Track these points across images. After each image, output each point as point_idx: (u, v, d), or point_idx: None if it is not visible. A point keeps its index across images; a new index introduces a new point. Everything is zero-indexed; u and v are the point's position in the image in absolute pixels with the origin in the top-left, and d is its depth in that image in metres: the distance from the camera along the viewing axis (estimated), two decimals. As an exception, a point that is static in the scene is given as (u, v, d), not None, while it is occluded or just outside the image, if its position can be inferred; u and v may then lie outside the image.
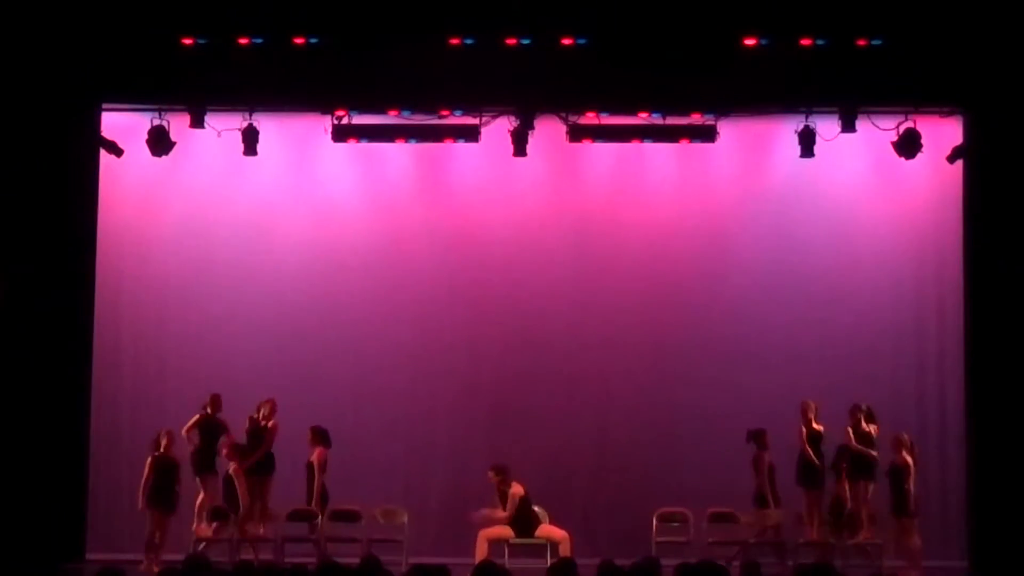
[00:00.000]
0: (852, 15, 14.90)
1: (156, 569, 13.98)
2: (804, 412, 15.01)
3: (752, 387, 15.75)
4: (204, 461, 15.14)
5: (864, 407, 15.00)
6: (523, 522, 15.11)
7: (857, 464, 14.89)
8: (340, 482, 15.34)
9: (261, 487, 15.16)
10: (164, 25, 14.91)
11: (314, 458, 15.15)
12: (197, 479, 15.11)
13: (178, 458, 14.97)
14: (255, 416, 15.22)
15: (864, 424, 14.94)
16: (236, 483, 14.99)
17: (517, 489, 15.01)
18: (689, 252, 16.56)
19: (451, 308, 16.55)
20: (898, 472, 14.40)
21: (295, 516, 15.19)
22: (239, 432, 15.20)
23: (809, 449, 14.96)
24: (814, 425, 15.01)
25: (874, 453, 14.83)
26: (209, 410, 15.20)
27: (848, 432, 14.92)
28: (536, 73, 15.05)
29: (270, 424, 15.19)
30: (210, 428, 15.18)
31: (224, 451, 15.13)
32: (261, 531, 15.10)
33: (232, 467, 15.04)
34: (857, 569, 14.35)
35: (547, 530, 15.10)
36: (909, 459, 14.41)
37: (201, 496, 15.07)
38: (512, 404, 16.38)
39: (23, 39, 14.82)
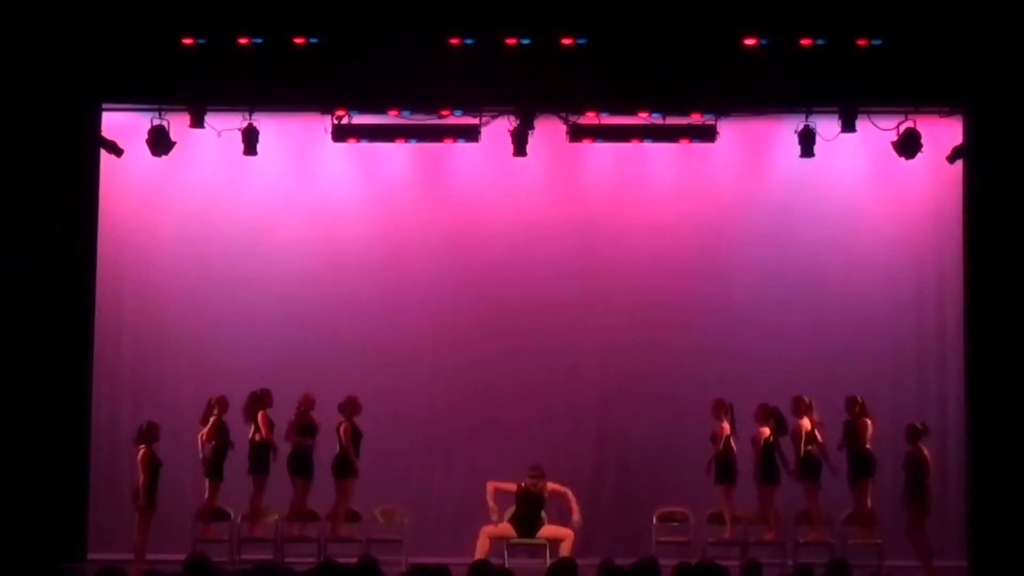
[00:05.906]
0: (852, 15, 14.89)
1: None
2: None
3: (752, 386, 15.72)
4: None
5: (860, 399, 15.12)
6: (527, 522, 15.16)
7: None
8: (340, 482, 15.37)
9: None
10: (164, 25, 14.90)
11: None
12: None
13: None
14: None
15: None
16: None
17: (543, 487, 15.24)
18: (689, 252, 16.57)
19: (451, 308, 16.55)
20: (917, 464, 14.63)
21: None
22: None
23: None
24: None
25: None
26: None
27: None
28: (536, 73, 15.04)
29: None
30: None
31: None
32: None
33: None
34: (863, 570, 14.39)
35: (551, 530, 15.14)
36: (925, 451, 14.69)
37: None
38: (512, 403, 16.36)
39: (23, 39, 14.81)
